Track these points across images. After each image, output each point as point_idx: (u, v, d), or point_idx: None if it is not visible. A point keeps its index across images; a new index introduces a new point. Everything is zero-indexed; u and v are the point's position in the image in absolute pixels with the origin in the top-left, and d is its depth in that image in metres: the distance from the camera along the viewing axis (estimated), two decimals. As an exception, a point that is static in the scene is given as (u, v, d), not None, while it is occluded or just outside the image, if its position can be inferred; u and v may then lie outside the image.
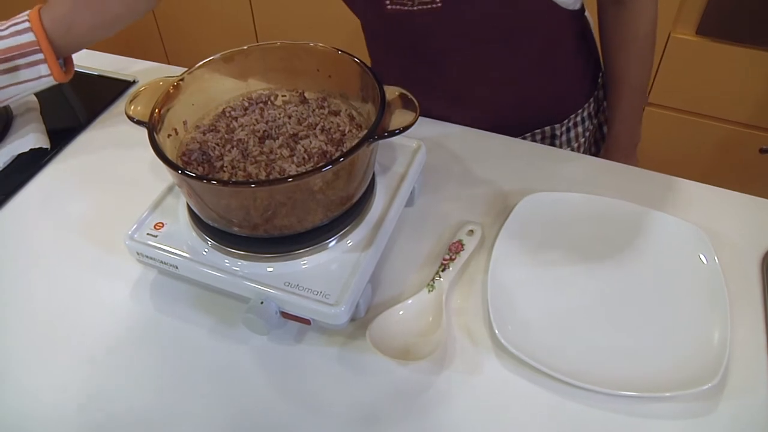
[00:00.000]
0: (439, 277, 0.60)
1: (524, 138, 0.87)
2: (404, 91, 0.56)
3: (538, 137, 0.89)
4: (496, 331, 0.55)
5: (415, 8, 0.69)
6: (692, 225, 0.65)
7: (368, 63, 0.59)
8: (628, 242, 0.65)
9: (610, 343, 0.57)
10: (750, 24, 1.32)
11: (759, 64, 1.38)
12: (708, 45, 1.38)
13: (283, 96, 0.65)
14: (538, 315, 0.59)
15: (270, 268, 0.56)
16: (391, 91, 0.55)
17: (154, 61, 0.97)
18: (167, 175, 0.72)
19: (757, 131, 1.49)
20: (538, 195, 0.68)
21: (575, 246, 0.65)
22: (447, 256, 0.63)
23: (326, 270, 0.55)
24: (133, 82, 0.91)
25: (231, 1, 1.93)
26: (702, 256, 0.62)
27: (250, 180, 0.55)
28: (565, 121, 0.87)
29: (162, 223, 0.60)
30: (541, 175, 0.74)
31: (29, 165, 0.77)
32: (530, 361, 0.53)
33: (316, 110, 0.63)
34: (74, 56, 0.98)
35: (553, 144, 0.89)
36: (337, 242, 0.57)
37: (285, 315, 0.55)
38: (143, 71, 0.94)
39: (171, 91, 0.58)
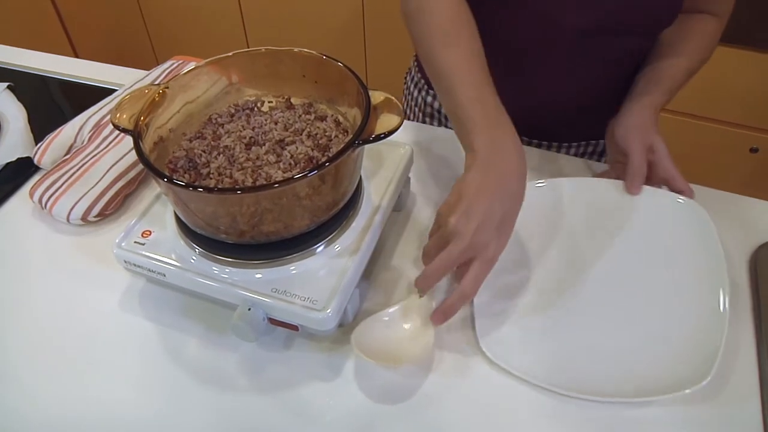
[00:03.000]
0: None
1: (577, 146, 0.87)
2: (389, 96, 0.56)
3: (590, 149, 0.88)
4: (481, 345, 0.55)
5: None
6: (692, 203, 0.63)
7: (363, 60, 0.59)
8: (621, 229, 0.64)
9: (597, 346, 0.56)
10: (741, 25, 1.33)
11: (750, 64, 1.38)
12: (697, 46, 1.38)
13: (269, 102, 0.65)
14: (527, 321, 0.58)
15: (258, 274, 0.55)
16: (377, 96, 0.56)
17: (145, 69, 0.97)
18: (155, 183, 0.72)
19: (747, 131, 1.50)
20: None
21: (567, 242, 0.64)
22: None
23: (314, 275, 0.55)
24: (122, 90, 0.91)
25: (222, 9, 1.94)
26: (701, 240, 0.61)
27: (236, 187, 0.55)
28: None
29: (149, 231, 0.60)
30: (531, 177, 0.74)
31: (17, 174, 0.77)
32: (516, 372, 0.53)
33: (303, 116, 0.63)
34: (64, 65, 0.98)
35: (599, 161, 0.88)
36: (324, 248, 0.57)
37: (273, 321, 0.55)
38: (132, 79, 0.94)
39: (156, 98, 0.58)
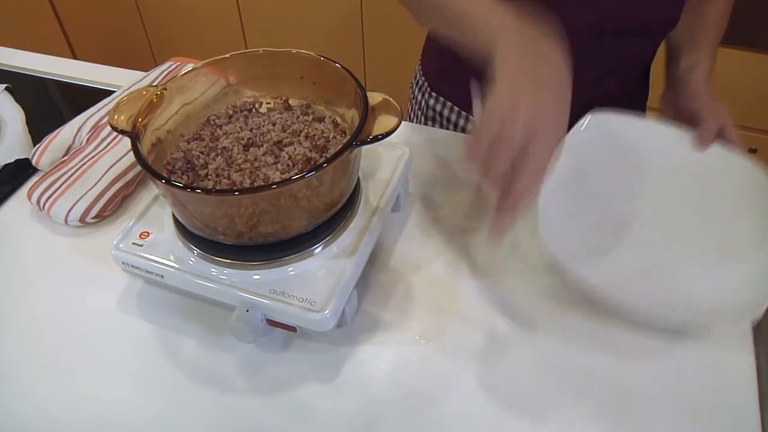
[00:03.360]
0: None
1: None
2: (387, 97, 0.56)
3: None
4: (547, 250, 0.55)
5: None
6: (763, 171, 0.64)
7: (362, 61, 0.58)
8: (689, 176, 0.66)
9: (653, 270, 0.58)
10: (740, 26, 1.33)
11: (749, 65, 1.39)
12: (695, 46, 1.39)
13: (267, 103, 0.66)
14: (586, 241, 0.60)
15: (256, 275, 0.55)
16: (375, 97, 0.56)
17: (143, 70, 0.97)
18: (153, 184, 0.72)
19: (746, 132, 1.50)
20: (604, 116, 0.69)
21: (630, 176, 0.67)
22: None
23: (312, 277, 0.55)
24: (121, 92, 0.91)
25: (220, 10, 1.94)
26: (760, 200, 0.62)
27: (234, 188, 0.55)
28: None
29: (147, 233, 0.60)
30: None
31: (15, 176, 0.77)
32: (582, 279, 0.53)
33: (301, 117, 0.63)
34: (62, 67, 0.99)
35: None
36: (322, 249, 0.57)
37: (271, 323, 0.55)
38: (131, 80, 0.94)
39: (154, 100, 0.58)
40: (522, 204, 0.48)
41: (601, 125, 0.68)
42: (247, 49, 0.67)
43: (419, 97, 0.94)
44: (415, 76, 0.97)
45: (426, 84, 0.91)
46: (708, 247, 0.61)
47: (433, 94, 0.90)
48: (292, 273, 0.56)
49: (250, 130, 0.61)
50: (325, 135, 0.60)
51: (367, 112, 0.53)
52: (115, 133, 0.76)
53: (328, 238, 0.57)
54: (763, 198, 0.62)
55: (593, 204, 0.65)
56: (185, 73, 0.61)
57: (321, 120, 0.62)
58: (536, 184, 0.47)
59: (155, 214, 0.62)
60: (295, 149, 0.58)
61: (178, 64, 0.93)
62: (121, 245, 0.59)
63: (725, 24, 0.76)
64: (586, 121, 0.68)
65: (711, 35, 0.75)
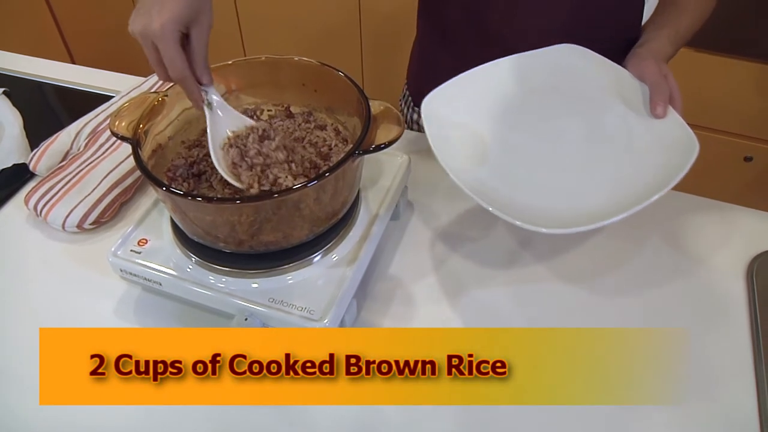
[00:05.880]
0: None
1: None
2: (389, 105, 0.56)
3: None
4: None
5: None
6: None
7: (360, 69, 0.58)
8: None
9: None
10: (735, 35, 1.34)
11: (744, 74, 1.39)
12: (694, 56, 1.39)
13: (268, 110, 0.65)
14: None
15: (255, 284, 0.55)
16: (377, 106, 0.56)
17: (142, 75, 0.97)
18: (151, 191, 0.71)
19: (741, 140, 1.51)
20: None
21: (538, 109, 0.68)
22: None
23: (311, 285, 0.55)
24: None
25: (218, 16, 1.94)
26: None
27: (236, 196, 0.55)
28: None
29: (146, 240, 0.59)
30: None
31: (12, 180, 0.76)
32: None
33: (302, 124, 0.63)
34: (60, 71, 0.98)
35: None
36: (322, 257, 0.57)
37: (270, 331, 0.55)
38: (129, 85, 0.93)
39: (155, 106, 0.58)
40: (184, 76, 0.52)
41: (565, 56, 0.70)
42: (245, 55, 0.67)
43: (405, 111, 0.96)
44: (403, 91, 0.98)
45: (410, 99, 0.93)
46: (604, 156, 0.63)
47: (416, 109, 0.92)
48: (291, 281, 0.55)
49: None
50: (327, 143, 0.60)
51: (369, 121, 0.53)
52: (114, 139, 0.76)
53: (327, 246, 0.57)
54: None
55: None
56: (186, 79, 0.61)
57: (323, 128, 0.62)
58: (176, 64, 0.52)
59: (154, 221, 0.61)
60: (300, 153, 0.58)
61: None
62: (118, 252, 0.58)
63: (700, 14, 0.75)
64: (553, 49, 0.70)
65: (678, 21, 0.74)
